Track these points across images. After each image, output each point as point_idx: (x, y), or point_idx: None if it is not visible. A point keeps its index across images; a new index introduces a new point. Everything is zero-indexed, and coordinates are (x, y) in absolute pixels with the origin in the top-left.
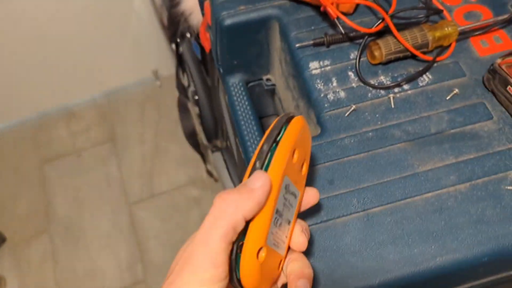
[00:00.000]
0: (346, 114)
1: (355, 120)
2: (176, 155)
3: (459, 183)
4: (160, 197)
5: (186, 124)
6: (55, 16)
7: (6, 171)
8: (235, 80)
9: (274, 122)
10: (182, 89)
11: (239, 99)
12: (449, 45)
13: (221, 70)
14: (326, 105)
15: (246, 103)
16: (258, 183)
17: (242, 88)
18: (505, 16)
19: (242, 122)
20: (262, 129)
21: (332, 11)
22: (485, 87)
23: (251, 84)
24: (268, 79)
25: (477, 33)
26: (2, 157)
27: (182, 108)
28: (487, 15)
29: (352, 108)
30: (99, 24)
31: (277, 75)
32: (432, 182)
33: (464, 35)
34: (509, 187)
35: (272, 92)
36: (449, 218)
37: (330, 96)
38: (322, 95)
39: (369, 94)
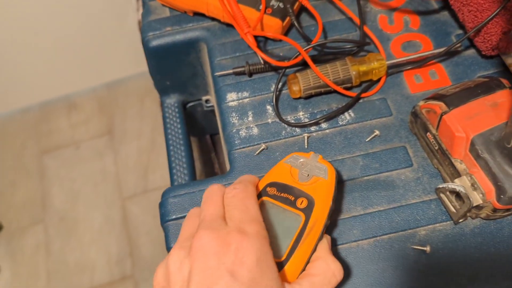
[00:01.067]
0: (256, 153)
1: (264, 160)
2: None
3: (362, 238)
4: (154, 192)
5: None
6: (57, 6)
7: (6, 159)
8: (171, 101)
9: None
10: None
11: (172, 121)
12: (379, 80)
13: (157, 90)
14: (237, 141)
15: (179, 125)
16: None
17: (176, 110)
18: (441, 49)
19: (171, 142)
20: (199, 149)
21: (248, 41)
22: (410, 129)
23: (190, 104)
24: (207, 100)
25: (411, 66)
26: (3, 145)
27: None
28: (427, 46)
29: (262, 147)
30: (101, 15)
31: (213, 97)
32: (334, 236)
33: (397, 68)
34: (416, 247)
35: (214, 112)
36: (346, 278)
37: (242, 132)
38: (234, 130)
39: (283, 132)
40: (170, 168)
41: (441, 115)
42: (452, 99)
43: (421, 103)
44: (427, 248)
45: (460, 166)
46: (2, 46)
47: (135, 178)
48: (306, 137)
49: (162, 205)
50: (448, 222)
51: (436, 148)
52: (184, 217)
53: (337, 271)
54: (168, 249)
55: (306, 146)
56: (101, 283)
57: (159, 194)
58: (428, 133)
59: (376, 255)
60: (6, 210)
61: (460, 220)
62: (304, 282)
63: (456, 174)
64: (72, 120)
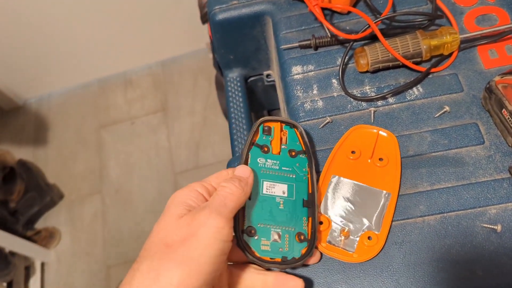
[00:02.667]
0: (320, 126)
1: (329, 134)
2: (223, 129)
3: (428, 214)
4: (204, 169)
5: (223, 102)
6: None
7: (68, 132)
8: (233, 75)
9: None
10: (218, 67)
11: (234, 94)
12: (450, 55)
13: (220, 65)
14: (301, 114)
15: (240, 99)
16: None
17: (238, 84)
18: None
19: (233, 115)
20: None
21: (316, 13)
22: (483, 106)
23: (252, 78)
24: (268, 75)
25: (486, 41)
26: (65, 119)
27: (219, 86)
28: (504, 19)
29: (327, 121)
30: None
31: (275, 72)
32: (398, 210)
33: (470, 43)
34: (486, 225)
35: (275, 87)
36: (409, 253)
37: (307, 105)
38: (299, 103)
39: (349, 106)
40: (232, 140)
41: None
42: None
43: (497, 78)
44: (498, 227)
45: None
46: (64, 26)
47: (187, 154)
48: (372, 112)
49: None
50: None
51: None
52: None
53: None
54: None
55: (372, 121)
56: None
57: (210, 170)
58: (503, 110)
59: (442, 232)
60: (67, 180)
61: None
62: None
63: None
64: (128, 96)
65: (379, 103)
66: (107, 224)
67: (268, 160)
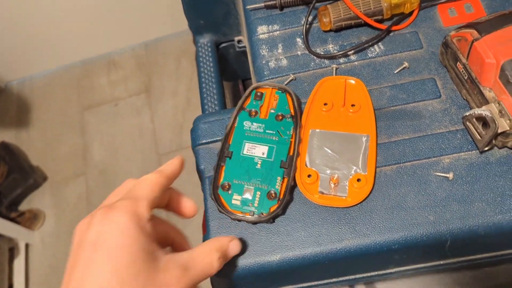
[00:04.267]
0: (285, 83)
1: (293, 89)
2: None
3: (385, 164)
4: (188, 150)
5: None
6: None
7: (51, 114)
8: (204, 40)
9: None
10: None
11: (204, 60)
12: (411, 13)
13: (192, 30)
14: (266, 72)
15: (211, 64)
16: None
17: (209, 49)
18: None
19: (202, 74)
20: (231, 95)
21: None
22: (440, 62)
23: (223, 44)
24: (239, 41)
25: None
26: (49, 101)
27: None
28: None
29: (291, 78)
30: None
31: (245, 37)
32: None
33: (430, 2)
34: (439, 173)
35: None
36: (366, 202)
37: (272, 64)
38: (264, 61)
39: (312, 64)
40: (202, 98)
41: (472, 42)
42: (485, 26)
43: (453, 32)
44: (450, 175)
45: (489, 94)
46: (46, 7)
47: (170, 135)
48: (334, 69)
49: (193, 131)
50: (474, 151)
51: (466, 77)
52: (213, 141)
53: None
54: (198, 171)
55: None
56: None
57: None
58: (458, 63)
59: (398, 181)
60: (51, 162)
61: (486, 148)
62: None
63: (485, 102)
64: (111, 78)
65: (341, 60)
66: (91, 205)
67: (254, 123)
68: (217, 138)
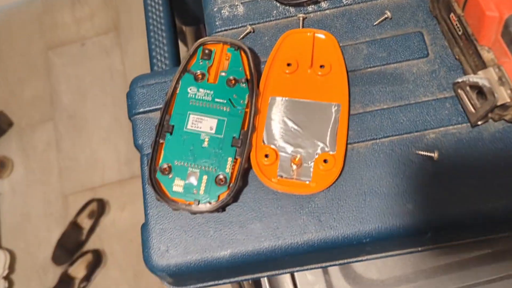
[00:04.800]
0: (240, 38)
1: (251, 46)
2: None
3: (358, 140)
4: None
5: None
6: None
7: (13, 55)
8: None
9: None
10: None
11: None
12: None
13: None
14: (218, 22)
15: (161, 6)
16: None
17: None
18: None
19: (151, 27)
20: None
21: None
22: (430, 11)
23: None
24: None
25: None
26: (10, 40)
27: None
28: None
29: (248, 30)
30: None
31: None
32: None
33: None
34: (421, 152)
35: None
36: (334, 187)
37: (225, 11)
38: (216, 8)
39: (275, 12)
40: (150, 51)
41: None
42: None
43: None
44: (435, 154)
45: (487, 55)
46: None
47: None
48: (301, 19)
49: (129, 96)
50: (464, 124)
51: (460, 33)
52: (154, 110)
53: None
54: (136, 146)
55: (300, 28)
56: (112, 181)
57: None
58: (451, 14)
59: (373, 160)
60: (16, 107)
61: (479, 123)
62: None
63: (482, 65)
64: (76, 14)
65: (310, 8)
66: (61, 152)
67: (200, 89)
68: (159, 106)
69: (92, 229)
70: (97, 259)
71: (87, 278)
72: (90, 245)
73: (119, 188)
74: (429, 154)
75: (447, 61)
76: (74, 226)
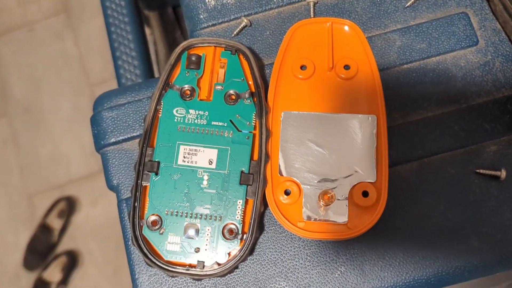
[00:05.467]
0: (234, 34)
1: (249, 44)
2: None
3: (401, 162)
4: None
5: None
6: None
7: None
8: None
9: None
10: None
11: None
12: None
13: None
14: (202, 16)
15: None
16: None
17: None
18: None
19: (111, 20)
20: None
21: None
22: None
23: None
24: None
25: None
26: None
27: None
28: None
29: (244, 23)
30: None
31: None
32: None
33: None
34: (482, 171)
35: None
36: (377, 226)
37: (211, 0)
38: None
39: None
40: (115, 59)
41: None
42: None
43: None
44: (502, 173)
45: None
46: None
47: (101, 61)
48: (312, 4)
49: (94, 122)
50: None
51: None
52: (129, 139)
53: None
54: (110, 188)
55: (312, 16)
56: (79, 175)
57: None
58: None
59: (422, 187)
60: None
61: None
62: None
63: None
64: None
65: None
66: (20, 149)
67: (191, 110)
68: (135, 134)
69: (63, 229)
70: (73, 260)
71: (64, 281)
72: (63, 246)
73: (88, 183)
74: (493, 173)
75: (502, 49)
76: (43, 228)
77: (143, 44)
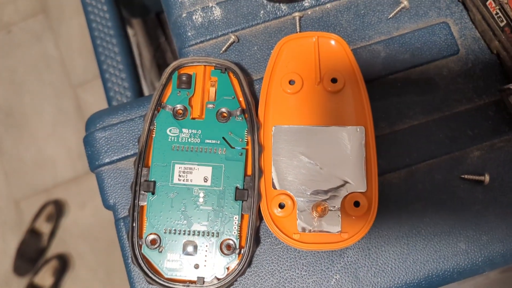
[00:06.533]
0: (222, 51)
1: (237, 59)
2: None
3: (389, 170)
4: None
5: None
6: None
7: None
8: None
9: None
10: None
11: (96, 9)
12: None
13: None
14: (190, 33)
15: (107, 14)
16: None
17: None
18: None
19: (96, 33)
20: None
21: None
22: None
23: None
24: None
25: None
26: None
27: None
28: None
29: (231, 40)
30: None
31: None
32: None
33: None
34: (467, 176)
35: None
36: (370, 234)
37: (198, 17)
38: (184, 15)
39: (262, 12)
40: (104, 80)
41: None
42: None
43: None
44: (485, 178)
45: None
46: None
47: (83, 62)
48: (297, 18)
49: (87, 143)
50: None
51: (503, 24)
52: (123, 158)
53: None
54: (107, 207)
55: (298, 31)
56: (65, 179)
57: None
58: (489, 1)
59: (410, 193)
60: None
61: None
62: None
63: None
64: None
65: (306, 3)
66: (4, 154)
67: (184, 130)
68: (130, 153)
69: (52, 233)
70: (63, 263)
71: (55, 285)
72: (53, 250)
73: (75, 186)
74: (477, 177)
75: (481, 57)
76: (32, 232)
77: (130, 56)
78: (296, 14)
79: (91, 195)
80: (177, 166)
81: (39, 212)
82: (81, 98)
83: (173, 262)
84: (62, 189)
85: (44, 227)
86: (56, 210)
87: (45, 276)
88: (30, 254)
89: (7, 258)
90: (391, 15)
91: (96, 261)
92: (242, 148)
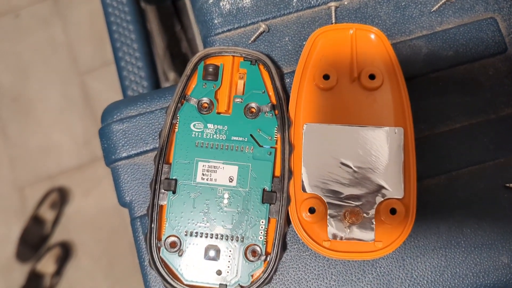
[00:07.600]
0: (251, 40)
1: (267, 50)
2: None
3: (429, 175)
4: (115, 64)
5: None
6: None
7: None
8: None
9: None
10: None
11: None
12: None
13: None
14: (216, 21)
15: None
16: None
17: None
18: None
19: (112, 19)
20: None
21: None
22: None
23: None
24: None
25: None
26: None
27: None
28: None
29: (261, 29)
30: None
31: None
32: None
33: None
34: (511, 185)
35: None
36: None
37: (226, 4)
38: (211, 0)
39: (295, 1)
40: (119, 69)
41: None
42: None
43: None
44: None
45: None
46: None
47: (91, 49)
48: (333, 8)
49: (103, 135)
50: None
51: None
52: (141, 153)
53: None
54: (122, 204)
55: (333, 22)
56: (70, 166)
57: None
58: None
59: (450, 202)
60: None
61: None
62: None
63: None
64: None
65: None
66: (9, 140)
67: (209, 125)
68: (149, 148)
69: (56, 221)
70: (66, 251)
71: (58, 272)
72: (56, 237)
73: (79, 174)
74: None
75: None
76: (36, 219)
77: (147, 45)
78: (332, 3)
79: (95, 184)
80: (200, 164)
81: (43, 199)
82: (88, 85)
83: (193, 267)
84: (66, 176)
85: (48, 214)
86: (60, 197)
87: (47, 263)
88: (33, 241)
89: (10, 244)
90: (434, 8)
91: (98, 250)
92: (271, 147)
